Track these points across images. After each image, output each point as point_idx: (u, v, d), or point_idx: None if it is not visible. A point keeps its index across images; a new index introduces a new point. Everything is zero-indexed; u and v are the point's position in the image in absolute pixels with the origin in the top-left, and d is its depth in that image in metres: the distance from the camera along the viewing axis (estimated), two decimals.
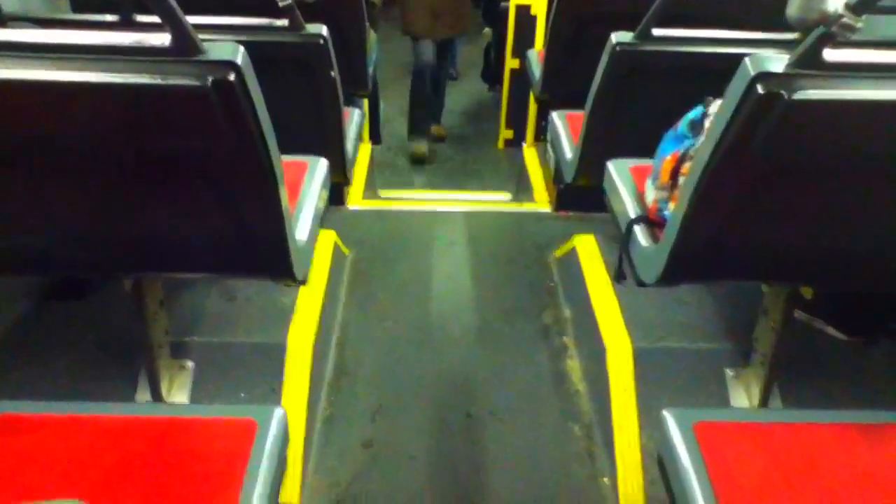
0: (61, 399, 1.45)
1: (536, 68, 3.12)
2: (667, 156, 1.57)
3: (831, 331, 2.17)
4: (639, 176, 1.85)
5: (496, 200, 3.93)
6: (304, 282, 1.59)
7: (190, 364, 2.00)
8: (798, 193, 1.35)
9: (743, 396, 2.00)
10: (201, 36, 1.15)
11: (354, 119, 2.65)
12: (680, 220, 1.39)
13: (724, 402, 2.00)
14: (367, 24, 2.76)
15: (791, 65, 1.17)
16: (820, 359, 2.10)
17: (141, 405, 1.85)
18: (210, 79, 1.12)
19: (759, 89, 1.16)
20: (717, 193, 1.33)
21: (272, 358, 2.04)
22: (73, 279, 2.28)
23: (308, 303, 2.20)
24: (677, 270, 1.50)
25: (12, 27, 1.89)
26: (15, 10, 2.14)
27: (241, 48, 1.15)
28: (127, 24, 1.86)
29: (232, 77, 1.12)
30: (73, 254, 1.50)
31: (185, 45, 1.13)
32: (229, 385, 2.01)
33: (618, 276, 1.78)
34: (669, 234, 1.45)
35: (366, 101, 3.33)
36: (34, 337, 2.12)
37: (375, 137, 3.91)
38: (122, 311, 1.96)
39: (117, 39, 1.16)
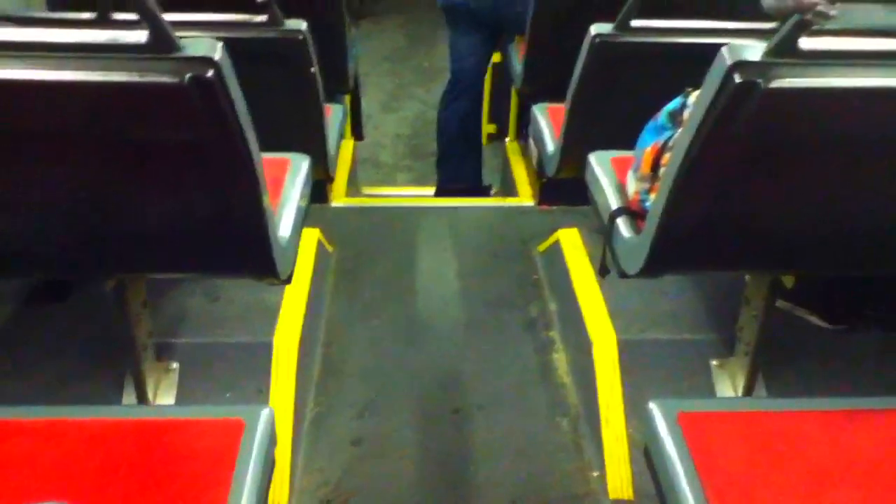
0: (45, 404, 1.44)
1: (517, 62, 3.12)
2: (647, 146, 1.58)
3: (814, 319, 2.19)
4: (620, 167, 1.86)
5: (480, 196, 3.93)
6: (288, 281, 1.58)
7: (175, 365, 1.99)
8: (777, 181, 1.36)
9: (728, 386, 2.01)
10: (179, 33, 1.14)
11: (336, 115, 2.64)
12: (661, 211, 1.40)
13: (709, 392, 2.01)
14: (348, 19, 2.75)
15: (768, 53, 1.17)
16: (803, 347, 2.12)
17: (126, 407, 1.83)
18: (188, 75, 1.11)
19: (737, 78, 1.17)
20: (696, 183, 1.34)
21: (258, 357, 2.03)
22: (53, 282, 2.26)
23: (293, 301, 2.19)
24: (659, 261, 1.51)
25: None
26: None
27: (220, 44, 1.15)
28: (103, 22, 1.84)
29: (210, 73, 1.12)
30: (52, 254, 1.48)
31: (162, 42, 1.12)
32: (216, 386, 2.00)
33: (601, 269, 1.78)
34: (650, 224, 1.46)
35: (347, 97, 3.31)
36: (15, 342, 2.10)
37: (358, 133, 3.90)
38: (105, 313, 1.94)
39: (94, 37, 1.15)
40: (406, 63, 6.11)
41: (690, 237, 1.44)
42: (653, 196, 1.55)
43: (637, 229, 1.64)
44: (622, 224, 1.67)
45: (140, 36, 1.13)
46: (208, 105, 1.14)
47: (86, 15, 1.88)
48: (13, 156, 1.26)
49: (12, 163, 1.27)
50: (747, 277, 1.87)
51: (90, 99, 1.16)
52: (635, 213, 1.65)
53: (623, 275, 1.63)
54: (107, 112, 1.18)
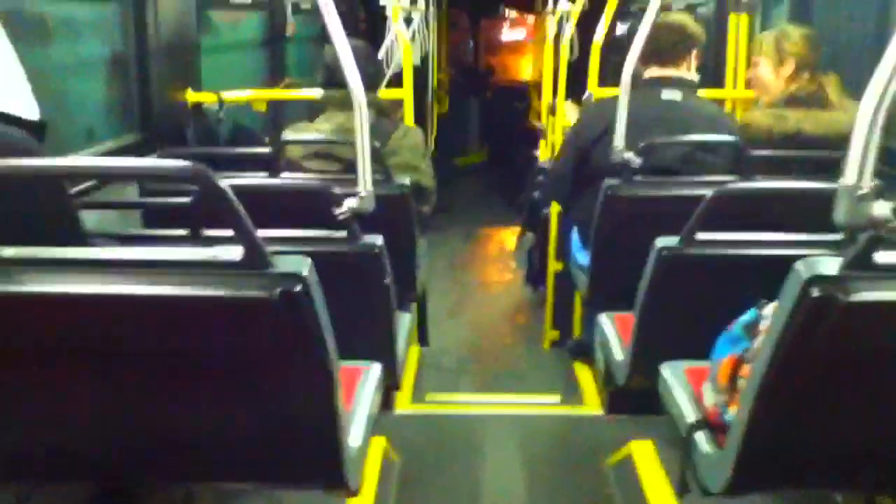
0: None
1: (582, 271, 3.17)
2: (723, 358, 1.56)
3: None
4: (694, 378, 1.82)
5: (545, 403, 3.86)
6: (356, 493, 1.55)
7: None
8: (863, 394, 1.32)
9: None
10: (268, 248, 1.22)
11: (405, 323, 2.69)
12: (744, 426, 1.35)
13: None
14: (418, 232, 2.89)
15: (843, 268, 1.18)
16: None
17: None
18: (278, 291, 1.17)
19: (814, 293, 1.17)
20: (779, 396, 1.30)
21: None
22: (119, 490, 2.24)
23: None
24: (745, 477, 1.44)
25: (93, 244, 2.02)
26: (92, 226, 2.30)
27: (309, 261, 1.21)
28: (196, 238, 1.97)
29: (299, 289, 1.17)
30: (123, 460, 1.49)
31: (255, 259, 1.19)
32: None
33: (681, 487, 1.69)
34: (733, 439, 1.41)
35: (415, 305, 3.40)
36: None
37: (423, 340, 3.96)
38: None
39: (193, 255, 1.23)
40: (470, 270, 6.31)
41: (777, 452, 1.38)
42: (732, 409, 1.51)
43: (717, 444, 1.58)
44: (701, 438, 1.62)
45: (234, 252, 1.20)
46: (295, 318, 1.19)
47: (179, 231, 2.03)
48: (102, 362, 1.31)
49: (100, 369, 1.32)
50: (839, 497, 1.75)
51: (185, 312, 1.22)
52: (715, 427, 1.60)
53: (706, 492, 1.55)
54: (198, 324, 1.24)
